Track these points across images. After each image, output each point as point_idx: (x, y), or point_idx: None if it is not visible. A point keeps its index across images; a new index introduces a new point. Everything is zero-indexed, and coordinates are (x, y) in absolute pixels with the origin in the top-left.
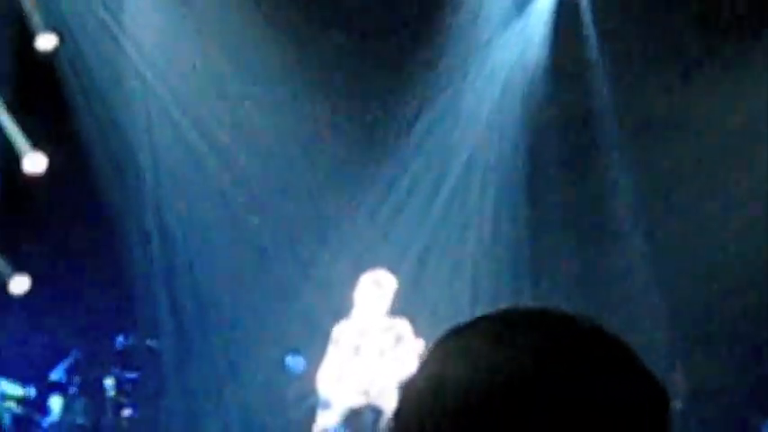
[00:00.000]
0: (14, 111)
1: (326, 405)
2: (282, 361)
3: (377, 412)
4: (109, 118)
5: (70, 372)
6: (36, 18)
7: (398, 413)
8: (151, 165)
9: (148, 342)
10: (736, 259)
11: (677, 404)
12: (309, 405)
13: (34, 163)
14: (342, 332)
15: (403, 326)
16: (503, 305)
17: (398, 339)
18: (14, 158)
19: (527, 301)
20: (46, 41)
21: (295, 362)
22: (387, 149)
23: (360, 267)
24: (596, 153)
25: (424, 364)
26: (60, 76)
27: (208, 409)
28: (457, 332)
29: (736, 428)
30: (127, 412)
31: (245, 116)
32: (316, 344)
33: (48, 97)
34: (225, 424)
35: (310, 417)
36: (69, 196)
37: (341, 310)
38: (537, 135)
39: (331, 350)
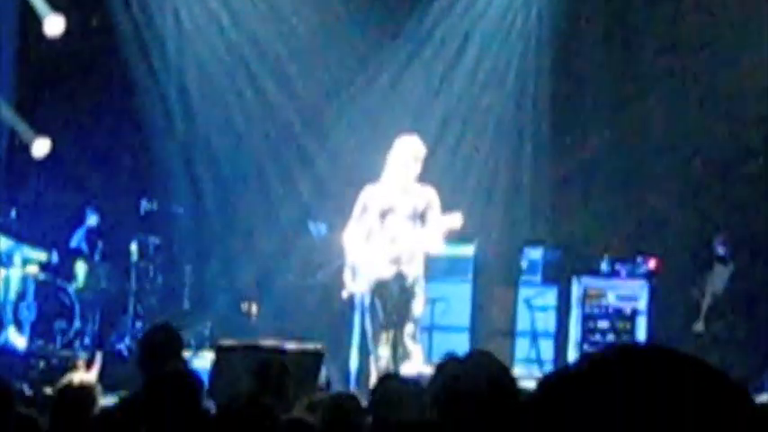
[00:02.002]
0: None
1: (354, 269)
2: (304, 225)
3: (403, 282)
4: None
5: (91, 236)
6: None
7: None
8: (174, 32)
9: (171, 207)
10: None
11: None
12: (334, 268)
13: (54, 25)
14: (371, 196)
15: (431, 194)
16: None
17: (427, 207)
18: (36, 21)
19: (546, 171)
20: None
21: (317, 227)
22: (402, 27)
23: (377, 138)
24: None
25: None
26: None
27: (229, 273)
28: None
29: None
30: (150, 276)
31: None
32: (333, 211)
33: None
34: (246, 286)
35: (334, 279)
36: (91, 60)
37: (356, 178)
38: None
39: (358, 212)
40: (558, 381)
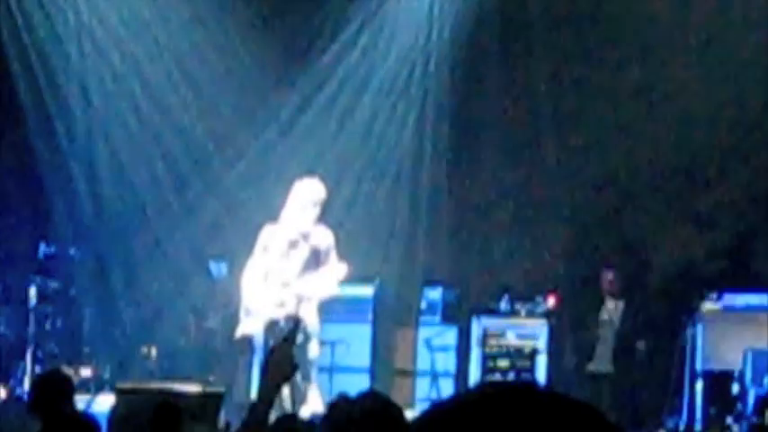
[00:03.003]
0: None
1: (248, 311)
2: (202, 265)
3: (295, 323)
4: (28, 30)
5: None
6: None
7: None
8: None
9: (69, 250)
10: None
11: None
12: (232, 310)
13: None
14: (271, 237)
15: (328, 238)
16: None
17: (324, 250)
18: None
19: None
20: None
21: (218, 267)
22: (300, 70)
23: (273, 178)
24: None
25: None
26: None
27: (129, 316)
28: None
29: None
30: (49, 321)
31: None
32: (231, 250)
33: None
34: (146, 331)
35: (232, 321)
36: None
37: (251, 219)
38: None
39: (258, 252)
40: (431, 413)
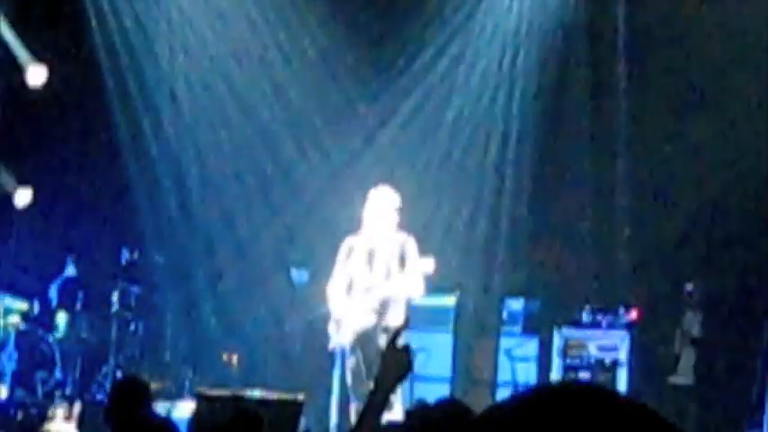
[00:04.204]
0: (16, 23)
1: (338, 324)
2: (283, 272)
3: (385, 333)
4: (120, 36)
5: (72, 286)
6: None
7: None
8: (158, 88)
9: (152, 257)
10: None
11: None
12: (314, 317)
13: (36, 75)
14: (352, 247)
15: (409, 241)
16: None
17: (405, 253)
18: (17, 71)
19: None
20: None
21: (299, 274)
22: (382, 82)
23: (354, 188)
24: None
25: None
26: None
27: (211, 322)
28: None
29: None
30: (132, 326)
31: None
32: (313, 259)
33: (49, 11)
34: (227, 337)
35: (314, 328)
36: (74, 109)
37: (332, 228)
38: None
39: (340, 264)
40: (492, 412)
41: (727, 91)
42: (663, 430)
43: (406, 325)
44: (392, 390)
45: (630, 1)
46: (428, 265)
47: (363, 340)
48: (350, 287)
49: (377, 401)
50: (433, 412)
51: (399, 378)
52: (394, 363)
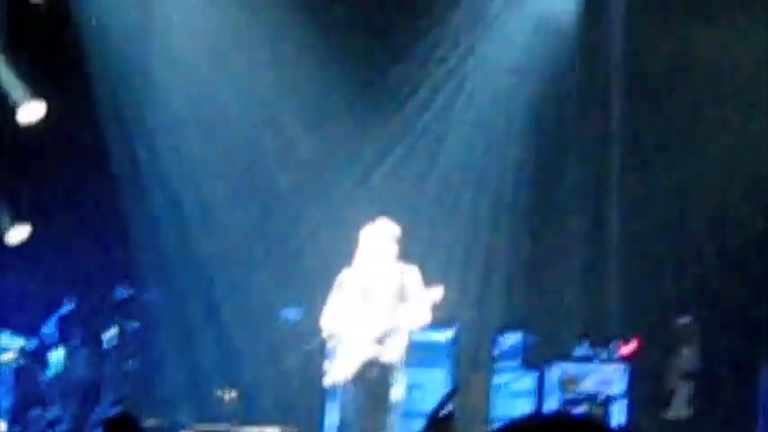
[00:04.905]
0: (11, 57)
1: (334, 354)
2: (276, 311)
3: (383, 368)
4: (114, 71)
5: (68, 323)
6: None
7: None
8: (156, 121)
9: (148, 293)
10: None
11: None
12: (311, 346)
13: (31, 112)
14: (347, 279)
15: (412, 271)
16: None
17: (409, 284)
18: (11, 107)
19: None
20: None
21: (295, 311)
22: (384, 116)
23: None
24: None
25: None
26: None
27: (207, 359)
28: None
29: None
30: (128, 363)
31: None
32: (306, 294)
33: (44, 44)
34: (224, 373)
35: (309, 363)
36: (70, 145)
37: (328, 262)
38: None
39: (335, 295)
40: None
41: (719, 124)
42: None
43: (452, 395)
44: None
45: (630, 39)
46: (436, 293)
47: (360, 374)
48: (347, 320)
49: None
50: None
51: None
52: None
